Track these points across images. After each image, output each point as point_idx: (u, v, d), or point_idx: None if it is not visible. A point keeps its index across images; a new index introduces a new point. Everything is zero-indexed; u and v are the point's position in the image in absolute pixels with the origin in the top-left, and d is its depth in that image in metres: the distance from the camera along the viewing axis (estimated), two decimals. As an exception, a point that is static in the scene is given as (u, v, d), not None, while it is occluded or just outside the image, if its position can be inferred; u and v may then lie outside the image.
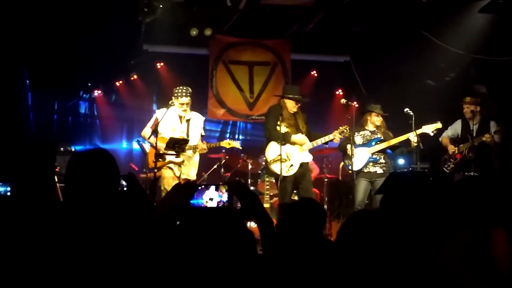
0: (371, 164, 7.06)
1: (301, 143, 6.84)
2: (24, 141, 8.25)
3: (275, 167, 6.84)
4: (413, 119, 6.85)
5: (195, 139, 6.97)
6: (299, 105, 6.97)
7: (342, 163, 7.75)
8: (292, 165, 6.83)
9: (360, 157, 7.03)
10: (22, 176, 6.93)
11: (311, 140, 6.91)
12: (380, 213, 2.34)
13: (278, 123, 6.86)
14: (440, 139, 7.71)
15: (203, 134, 7.22)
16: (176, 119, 6.94)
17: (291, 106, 6.91)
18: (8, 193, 7.08)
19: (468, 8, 8.19)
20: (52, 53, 8.97)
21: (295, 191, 7.33)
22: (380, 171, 7.04)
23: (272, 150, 6.93)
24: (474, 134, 7.37)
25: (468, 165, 7.35)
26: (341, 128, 6.87)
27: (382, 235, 2.05)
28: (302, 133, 6.91)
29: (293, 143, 6.85)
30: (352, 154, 6.90)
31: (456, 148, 7.59)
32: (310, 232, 3.13)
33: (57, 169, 7.54)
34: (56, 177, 7.29)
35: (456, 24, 8.48)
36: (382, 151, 7.11)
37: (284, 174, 6.81)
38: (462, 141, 7.56)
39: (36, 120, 9.55)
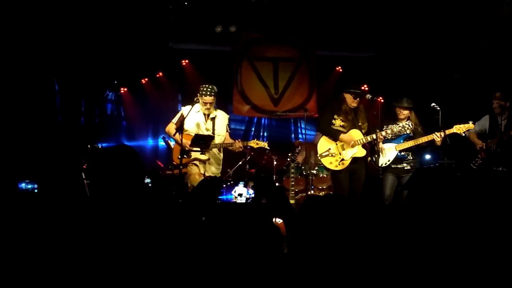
0: (398, 161, 6.98)
1: (348, 142, 6.80)
2: (51, 139, 8.38)
3: (325, 161, 6.93)
4: (440, 114, 6.74)
5: (220, 137, 6.99)
6: (358, 99, 6.89)
7: (369, 158, 7.67)
8: (342, 160, 6.83)
9: (388, 153, 6.95)
10: (49, 173, 7.05)
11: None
12: (406, 209, 2.32)
13: (335, 117, 6.88)
14: (467, 135, 7.59)
15: (229, 131, 7.22)
16: (201, 116, 6.96)
17: (350, 100, 6.89)
18: (35, 191, 7.20)
19: (497, 1, 8.07)
20: (78, 52, 9.08)
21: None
22: (407, 167, 6.95)
23: (323, 144, 6.99)
24: (503, 130, 7.25)
25: (496, 161, 7.23)
26: (404, 123, 6.79)
27: (408, 230, 2.03)
28: (362, 129, 6.88)
29: (341, 140, 6.82)
30: (382, 149, 6.83)
31: (484, 143, 7.48)
32: (334, 228, 3.11)
33: (84, 166, 7.64)
34: (83, 174, 7.39)
35: (483, 17, 8.36)
36: (410, 148, 7.02)
37: (333, 168, 6.88)
38: (490, 137, 7.44)
39: (63, 118, 9.67)
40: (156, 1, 8.89)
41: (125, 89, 10.86)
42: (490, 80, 8.72)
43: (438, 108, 6.73)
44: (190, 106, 6.76)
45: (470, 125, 6.86)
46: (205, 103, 6.83)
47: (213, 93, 6.81)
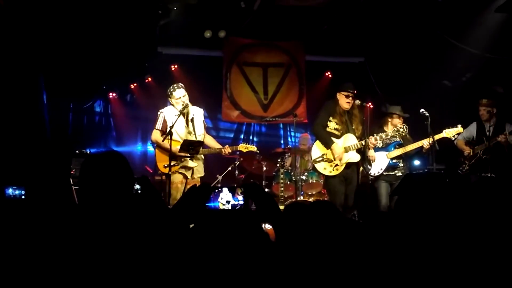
0: (391, 168, 6.98)
1: (335, 154, 6.76)
2: (39, 144, 8.31)
3: (319, 166, 6.86)
4: (429, 120, 6.74)
5: (200, 137, 6.79)
6: (350, 100, 6.82)
7: (361, 168, 7.65)
8: (337, 165, 6.76)
9: (379, 162, 6.95)
10: (37, 179, 6.98)
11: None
12: (395, 215, 2.31)
13: (330, 119, 6.83)
14: (455, 141, 7.61)
15: (205, 125, 7.04)
16: (182, 119, 6.71)
17: (343, 101, 6.84)
18: (23, 197, 7.13)
19: (485, 8, 8.12)
20: (66, 56, 9.03)
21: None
22: (399, 174, 6.96)
23: (317, 148, 6.92)
24: (490, 136, 7.26)
25: (484, 167, 7.26)
26: (399, 126, 6.76)
27: (397, 237, 2.03)
28: (356, 133, 6.82)
29: (332, 150, 6.77)
30: (372, 157, 6.81)
31: (471, 149, 7.51)
32: (320, 235, 3.10)
33: (72, 172, 7.58)
34: (71, 180, 7.33)
35: (472, 23, 8.41)
36: (400, 155, 7.02)
37: (327, 174, 6.82)
38: (477, 143, 7.48)
39: (51, 123, 9.60)
40: (145, 6, 8.87)
41: (114, 94, 10.82)
42: (479, 86, 8.76)
43: (427, 114, 6.73)
44: (167, 108, 6.70)
45: (460, 128, 6.88)
46: (179, 98, 6.63)
47: (181, 87, 6.67)
